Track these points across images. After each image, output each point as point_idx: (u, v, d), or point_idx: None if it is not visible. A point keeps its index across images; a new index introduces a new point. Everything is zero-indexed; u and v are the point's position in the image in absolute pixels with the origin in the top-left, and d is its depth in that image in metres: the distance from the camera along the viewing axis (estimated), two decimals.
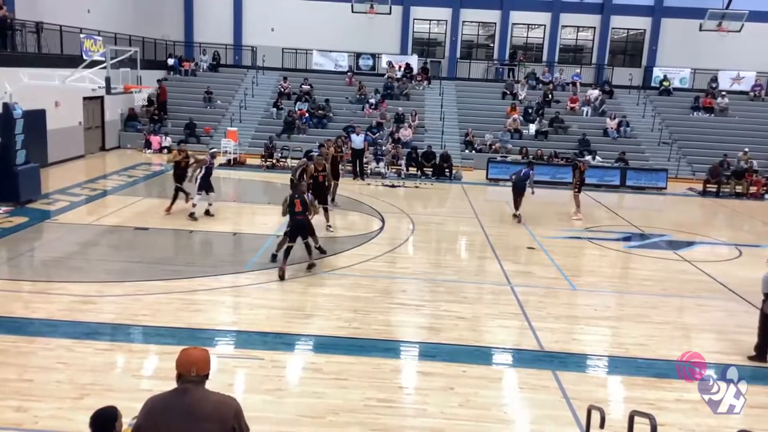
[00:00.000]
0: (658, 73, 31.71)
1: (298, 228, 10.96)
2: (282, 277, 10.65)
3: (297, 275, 11.03)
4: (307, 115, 27.31)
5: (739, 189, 22.81)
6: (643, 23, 33.57)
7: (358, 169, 21.99)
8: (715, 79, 30.83)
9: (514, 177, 16.59)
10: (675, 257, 13.86)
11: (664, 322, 9.86)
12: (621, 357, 8.52)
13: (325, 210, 14.20)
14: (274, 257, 11.56)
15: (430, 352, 8.33)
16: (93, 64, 16.04)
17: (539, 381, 7.64)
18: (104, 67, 15.52)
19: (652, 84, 31.48)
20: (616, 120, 27.55)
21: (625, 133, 27.33)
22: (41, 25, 20.61)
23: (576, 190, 17.40)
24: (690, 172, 25.43)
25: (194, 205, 14.52)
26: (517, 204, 16.38)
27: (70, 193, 16.87)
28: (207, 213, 14.80)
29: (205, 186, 14.54)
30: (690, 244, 15.35)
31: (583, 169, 17.74)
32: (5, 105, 14.89)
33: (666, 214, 19.79)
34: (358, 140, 21.82)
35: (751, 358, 8.67)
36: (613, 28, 33.82)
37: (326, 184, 14.19)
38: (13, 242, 12.44)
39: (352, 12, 29.43)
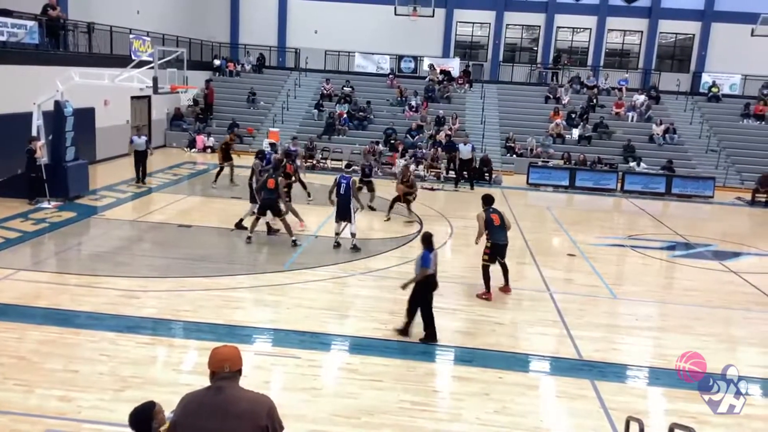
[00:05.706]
0: (707, 78, 31.02)
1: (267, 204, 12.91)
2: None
3: (334, 275, 11.10)
4: (346, 116, 27.47)
5: None
6: (692, 28, 32.81)
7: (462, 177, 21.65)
8: (766, 86, 29.93)
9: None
10: (721, 268, 13.50)
11: (708, 334, 9.61)
12: (662, 368, 8.31)
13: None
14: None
15: (466, 356, 8.28)
16: (141, 64, 16.42)
17: (577, 390, 7.52)
18: (152, 67, 15.87)
19: (701, 90, 30.80)
20: (663, 126, 26.96)
21: (672, 139, 26.73)
22: (92, 26, 21.22)
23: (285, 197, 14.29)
24: (739, 181, 24.73)
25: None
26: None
27: (116, 190, 17.30)
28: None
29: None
30: (737, 254, 14.92)
31: (289, 169, 15.07)
32: (57, 103, 15.36)
33: (712, 224, 19.26)
34: (465, 150, 21.47)
35: (421, 340, 8.57)
36: (661, 33, 33.12)
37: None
38: (61, 236, 12.83)
39: (395, 15, 29.49)
